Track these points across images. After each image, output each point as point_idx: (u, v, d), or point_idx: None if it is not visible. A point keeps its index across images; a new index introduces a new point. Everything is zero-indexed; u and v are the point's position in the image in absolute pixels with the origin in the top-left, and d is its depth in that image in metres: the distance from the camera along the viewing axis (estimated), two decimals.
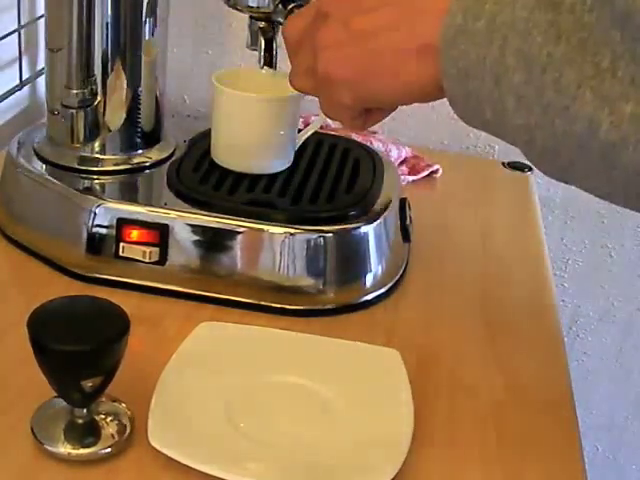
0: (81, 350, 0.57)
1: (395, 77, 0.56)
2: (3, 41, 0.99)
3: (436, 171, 1.09)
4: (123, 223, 0.79)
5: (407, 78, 0.55)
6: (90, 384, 0.59)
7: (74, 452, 0.60)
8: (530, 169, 1.15)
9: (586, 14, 0.46)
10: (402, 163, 1.09)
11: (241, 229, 0.78)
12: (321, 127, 0.92)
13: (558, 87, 0.47)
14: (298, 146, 0.89)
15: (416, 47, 0.54)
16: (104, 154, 0.86)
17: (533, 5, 0.48)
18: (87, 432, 0.61)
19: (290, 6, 0.71)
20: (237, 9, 0.78)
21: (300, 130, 0.91)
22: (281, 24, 0.73)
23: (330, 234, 0.79)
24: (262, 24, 0.78)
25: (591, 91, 0.46)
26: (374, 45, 0.56)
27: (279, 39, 0.76)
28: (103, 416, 0.63)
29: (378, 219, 0.82)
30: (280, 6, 0.72)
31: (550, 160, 0.51)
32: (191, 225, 0.78)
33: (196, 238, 0.79)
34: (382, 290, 0.83)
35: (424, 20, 0.53)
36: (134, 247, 0.78)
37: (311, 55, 0.60)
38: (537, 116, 0.49)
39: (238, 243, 0.78)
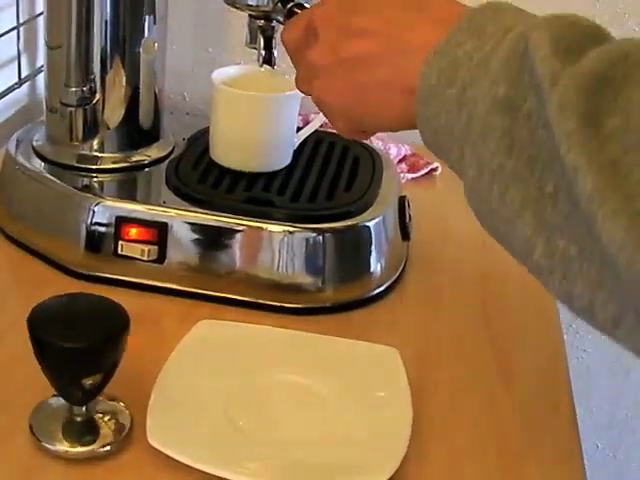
0: (82, 348, 0.57)
1: (383, 111, 0.56)
2: (2, 39, 0.99)
3: (435, 169, 1.09)
4: (122, 221, 0.79)
5: (393, 113, 0.55)
6: (90, 382, 0.59)
7: (72, 450, 0.60)
8: None
9: (540, 129, 0.45)
10: (401, 161, 1.09)
11: (240, 227, 0.78)
12: (320, 125, 0.92)
13: (503, 199, 0.46)
14: (298, 144, 0.89)
15: (399, 87, 0.54)
16: (103, 152, 0.86)
17: (491, 105, 0.46)
18: (85, 430, 0.61)
19: (289, 5, 0.70)
20: (236, 7, 0.78)
21: (299, 128, 0.90)
22: (280, 22, 0.73)
23: (329, 232, 0.79)
24: (261, 22, 0.78)
25: (532, 214, 0.45)
26: (362, 78, 0.56)
27: (278, 37, 0.75)
28: (102, 414, 0.63)
29: (377, 217, 0.82)
30: (279, 5, 0.72)
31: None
32: (190, 223, 0.78)
33: (195, 236, 0.78)
34: (381, 288, 0.83)
35: (408, 60, 0.52)
36: (133, 245, 0.78)
37: (307, 68, 0.60)
38: (484, 212, 0.49)
39: (237, 241, 0.78)
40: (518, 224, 0.46)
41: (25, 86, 1.07)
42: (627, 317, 0.42)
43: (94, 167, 0.86)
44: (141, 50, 0.84)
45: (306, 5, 0.70)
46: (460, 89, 0.49)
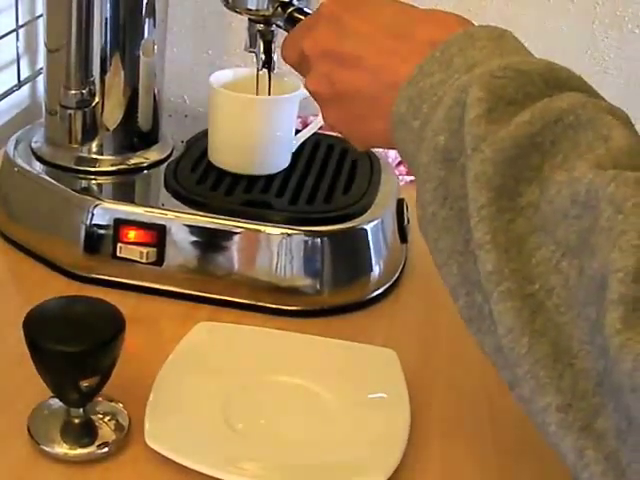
0: (78, 350, 0.57)
1: (385, 139, 0.57)
2: (1, 40, 0.99)
3: None
4: (120, 223, 0.79)
5: (385, 140, 0.56)
6: (87, 384, 0.59)
7: (71, 452, 0.60)
8: None
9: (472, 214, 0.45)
10: (400, 163, 1.09)
11: (238, 230, 0.78)
12: (319, 127, 0.92)
13: (436, 246, 0.48)
14: (297, 147, 0.90)
15: (384, 119, 0.54)
16: (102, 154, 0.86)
17: (432, 154, 0.47)
18: (84, 432, 0.61)
19: (289, 10, 0.70)
20: (236, 11, 0.78)
21: (298, 131, 0.91)
22: (280, 27, 0.73)
23: (327, 235, 0.79)
24: (261, 27, 0.78)
25: (457, 266, 0.46)
26: (360, 111, 0.57)
27: (278, 41, 0.75)
28: (100, 416, 0.63)
29: (375, 220, 0.82)
30: (279, 10, 0.72)
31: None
32: (188, 226, 0.79)
33: (193, 239, 0.79)
34: (379, 291, 0.83)
35: (390, 95, 0.53)
36: (131, 247, 0.78)
37: (311, 93, 0.61)
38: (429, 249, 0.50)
39: (235, 244, 0.78)
40: (446, 272, 0.47)
41: (26, 88, 1.08)
42: (516, 387, 0.44)
43: (93, 169, 0.86)
44: (141, 52, 0.84)
45: (306, 10, 0.70)
46: (422, 124, 0.50)
